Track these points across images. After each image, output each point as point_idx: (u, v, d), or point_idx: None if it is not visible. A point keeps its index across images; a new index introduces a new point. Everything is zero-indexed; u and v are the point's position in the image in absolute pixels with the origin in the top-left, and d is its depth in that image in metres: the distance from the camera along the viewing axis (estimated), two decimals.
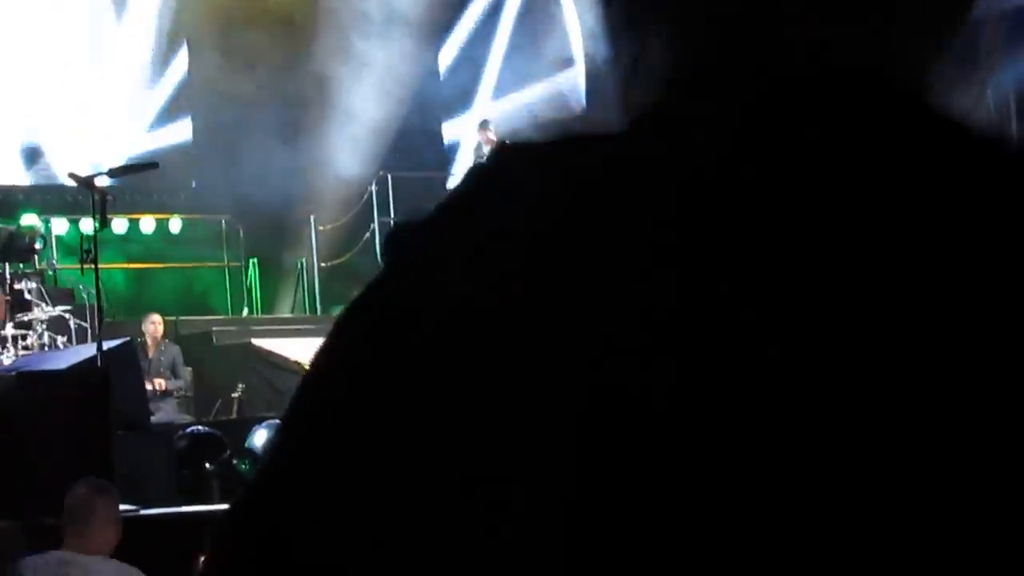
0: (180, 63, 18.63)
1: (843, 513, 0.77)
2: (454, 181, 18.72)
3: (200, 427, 12.04)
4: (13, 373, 10.03)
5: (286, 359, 15.04)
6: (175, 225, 18.14)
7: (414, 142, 18.57)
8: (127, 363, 11.10)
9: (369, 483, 0.82)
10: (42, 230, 15.94)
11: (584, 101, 19.22)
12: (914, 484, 0.77)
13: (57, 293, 14.95)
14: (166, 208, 18.22)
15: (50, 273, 15.83)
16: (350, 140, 17.87)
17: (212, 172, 17.98)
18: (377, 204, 18.23)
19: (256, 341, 15.75)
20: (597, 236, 0.82)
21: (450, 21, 19.80)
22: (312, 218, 18.14)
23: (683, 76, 0.90)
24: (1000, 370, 0.79)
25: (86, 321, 13.84)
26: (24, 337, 13.50)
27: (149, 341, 14.47)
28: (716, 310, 0.80)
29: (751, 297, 0.80)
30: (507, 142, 0.88)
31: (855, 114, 0.87)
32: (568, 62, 19.56)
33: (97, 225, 10.83)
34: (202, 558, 6.07)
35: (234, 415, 13.97)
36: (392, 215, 18.31)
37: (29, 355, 12.90)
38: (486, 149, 16.67)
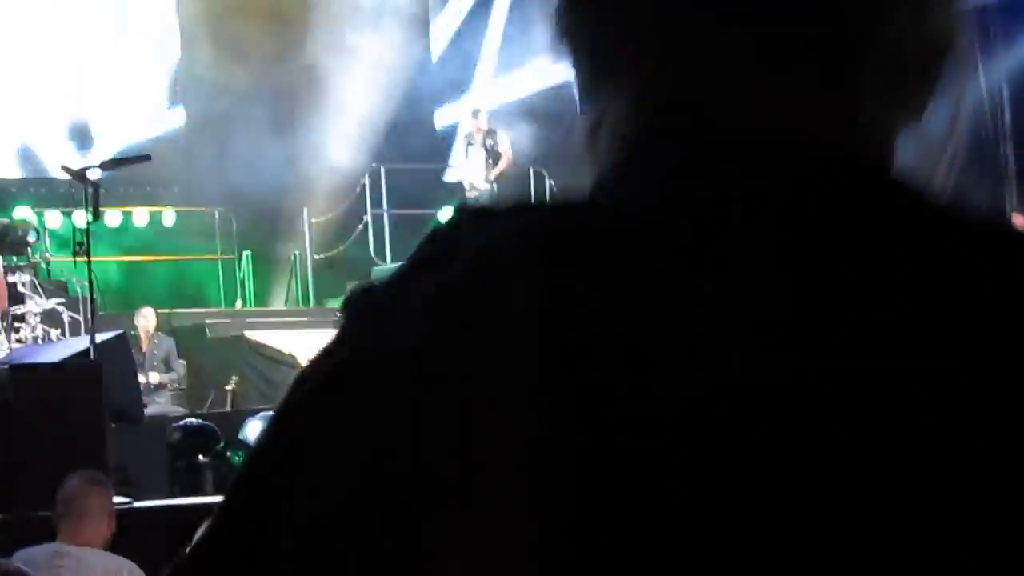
0: (173, 55, 18.60)
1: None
2: (447, 173, 18.68)
3: (193, 419, 12.02)
4: (6, 366, 10.01)
5: (280, 351, 15.04)
6: (168, 217, 18.12)
7: (406, 133, 18.55)
8: (120, 355, 11.09)
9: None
10: (35, 223, 15.92)
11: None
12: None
13: (50, 286, 14.94)
14: (159, 200, 18.20)
15: (43, 266, 15.80)
16: (342, 132, 17.85)
17: (205, 164, 17.95)
18: (370, 196, 18.22)
19: (249, 333, 15.74)
20: (540, 303, 0.84)
21: (441, 11, 19.78)
22: (305, 210, 18.13)
23: (640, 138, 0.92)
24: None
25: (79, 314, 13.83)
26: (17, 330, 13.49)
27: (142, 335, 14.46)
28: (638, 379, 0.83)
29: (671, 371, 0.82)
30: (465, 206, 0.92)
31: (808, 184, 0.89)
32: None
33: (90, 218, 10.82)
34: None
35: (228, 407, 13.96)
36: (385, 206, 18.31)
37: (22, 348, 12.88)
38: (477, 139, 16.66)
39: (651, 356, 0.83)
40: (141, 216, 17.95)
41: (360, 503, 0.84)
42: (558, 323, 0.83)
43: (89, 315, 11.55)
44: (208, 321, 16.40)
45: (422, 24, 19.47)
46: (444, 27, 19.90)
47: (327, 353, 0.89)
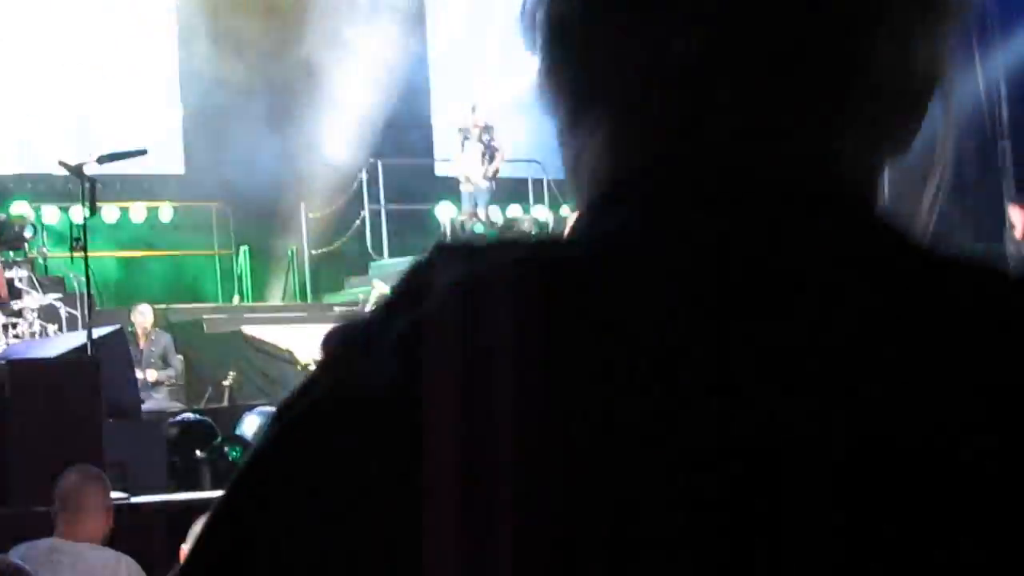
0: (171, 49, 18.58)
1: None
2: (442, 167, 18.67)
3: (191, 414, 12.03)
4: (3, 361, 10.01)
5: (277, 346, 15.04)
6: (165, 213, 18.12)
7: (403, 128, 18.55)
8: (117, 351, 11.09)
9: None
10: (32, 218, 15.92)
11: None
12: None
13: (48, 281, 14.92)
14: (157, 196, 18.19)
15: (40, 261, 15.79)
16: (339, 127, 17.85)
17: (202, 160, 17.95)
18: (367, 191, 18.22)
19: (247, 328, 15.74)
20: (513, 340, 0.85)
21: (438, 4, 19.77)
22: (302, 205, 18.12)
23: (615, 176, 0.92)
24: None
25: (77, 309, 13.83)
26: (15, 325, 13.48)
27: (139, 331, 14.45)
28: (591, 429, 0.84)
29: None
30: (443, 242, 0.92)
31: (780, 225, 0.89)
32: None
33: (87, 213, 10.81)
34: (184, 549, 6.08)
35: (225, 402, 13.96)
36: (383, 202, 18.31)
37: (19, 343, 12.88)
38: (474, 133, 16.66)
39: (610, 404, 0.83)
40: (138, 211, 17.95)
41: (329, 546, 0.85)
42: (521, 360, 0.84)
43: (86, 310, 11.54)
44: (205, 316, 16.39)
45: (418, 18, 19.46)
46: (441, 21, 19.89)
47: (303, 391, 0.90)
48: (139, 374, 13.07)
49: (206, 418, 11.81)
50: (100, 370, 9.47)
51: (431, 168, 19.13)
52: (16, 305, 13.61)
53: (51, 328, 13.72)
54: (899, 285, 0.87)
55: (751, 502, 0.82)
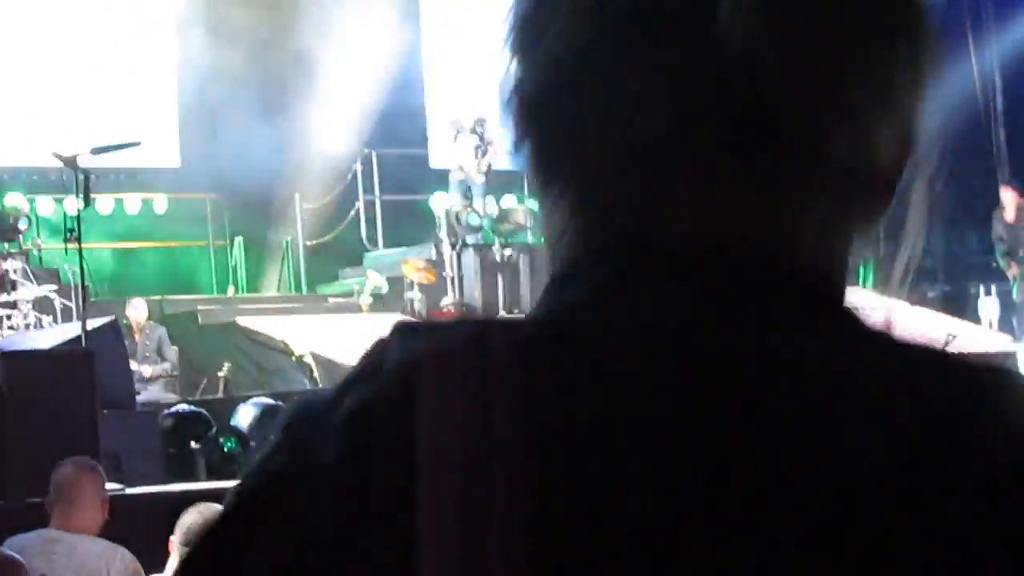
0: (167, 41, 18.54)
1: None
2: (435, 158, 18.62)
3: (186, 406, 12.03)
4: None
5: (272, 337, 15.04)
6: (160, 204, 18.11)
7: (398, 119, 18.53)
8: (112, 342, 11.08)
9: None
10: (27, 210, 15.91)
11: None
12: None
13: (42, 273, 14.93)
14: (151, 187, 18.18)
15: (35, 253, 15.79)
16: (334, 117, 17.83)
17: (197, 151, 17.93)
18: (362, 182, 18.20)
19: (242, 320, 15.74)
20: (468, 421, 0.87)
21: None
22: (297, 196, 18.11)
23: (577, 247, 0.93)
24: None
25: (71, 301, 13.82)
26: (9, 317, 13.48)
27: (133, 326, 14.45)
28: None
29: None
30: (403, 322, 0.93)
31: (734, 304, 0.89)
32: None
33: (81, 204, 10.81)
34: (173, 541, 6.08)
35: (220, 394, 13.96)
36: (377, 192, 18.29)
37: (14, 335, 12.88)
38: (467, 125, 16.63)
39: (545, 491, 0.85)
40: (133, 203, 17.94)
41: None
42: (458, 441, 0.86)
43: (81, 302, 11.54)
44: (200, 308, 16.38)
45: (412, 8, 19.44)
46: (435, 11, 19.88)
47: (262, 464, 0.92)
48: (134, 365, 13.06)
49: (201, 409, 11.82)
50: (95, 361, 9.47)
51: (426, 159, 19.12)
52: (10, 297, 13.61)
53: (46, 320, 13.72)
54: (849, 370, 0.88)
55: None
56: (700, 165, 0.90)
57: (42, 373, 9.22)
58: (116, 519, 6.69)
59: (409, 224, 17.94)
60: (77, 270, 12.02)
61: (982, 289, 16.79)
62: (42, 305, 13.92)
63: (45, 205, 16.72)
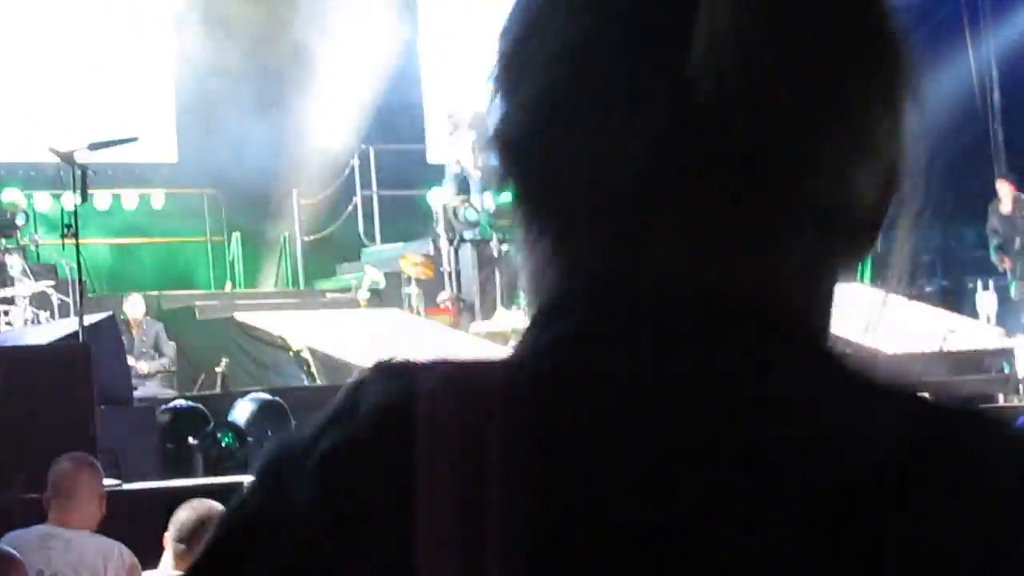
0: (164, 37, 18.53)
1: None
2: (431, 153, 18.60)
3: (183, 401, 12.03)
4: None
5: (269, 333, 15.03)
6: (157, 200, 18.10)
7: (395, 114, 18.52)
8: (109, 338, 11.08)
9: None
10: (24, 205, 15.89)
11: None
12: None
13: (40, 269, 14.92)
14: (148, 183, 18.17)
15: (32, 249, 15.78)
16: (331, 112, 17.82)
17: (194, 146, 17.92)
18: (359, 177, 18.20)
19: (239, 315, 15.72)
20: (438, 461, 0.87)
21: None
22: (294, 192, 18.11)
23: (552, 290, 0.94)
24: None
25: (69, 296, 13.82)
26: (7, 312, 13.47)
27: (131, 321, 14.44)
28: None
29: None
30: (381, 361, 0.93)
31: (711, 349, 0.89)
32: None
33: (78, 200, 10.80)
34: (167, 537, 6.07)
35: (217, 389, 13.95)
36: (374, 188, 18.28)
37: (11, 330, 12.87)
38: (464, 120, 16.62)
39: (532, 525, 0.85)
40: (130, 198, 17.92)
41: None
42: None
43: (78, 297, 11.54)
44: (198, 303, 16.38)
45: (409, 4, 19.42)
46: (432, 6, 19.87)
47: (240, 505, 0.93)
48: (131, 360, 13.06)
49: (198, 405, 11.81)
50: (92, 357, 9.46)
51: (423, 154, 19.11)
52: (8, 292, 13.60)
53: (43, 315, 13.71)
54: (828, 412, 0.87)
55: None
56: (675, 206, 0.90)
57: (39, 369, 9.22)
58: (114, 515, 6.69)
59: (407, 219, 17.93)
60: (74, 266, 12.02)
61: (980, 284, 16.80)
62: (39, 301, 13.92)
63: (42, 201, 16.70)
